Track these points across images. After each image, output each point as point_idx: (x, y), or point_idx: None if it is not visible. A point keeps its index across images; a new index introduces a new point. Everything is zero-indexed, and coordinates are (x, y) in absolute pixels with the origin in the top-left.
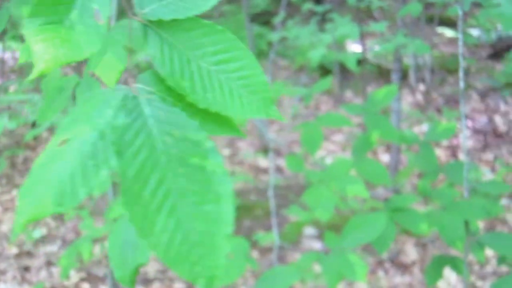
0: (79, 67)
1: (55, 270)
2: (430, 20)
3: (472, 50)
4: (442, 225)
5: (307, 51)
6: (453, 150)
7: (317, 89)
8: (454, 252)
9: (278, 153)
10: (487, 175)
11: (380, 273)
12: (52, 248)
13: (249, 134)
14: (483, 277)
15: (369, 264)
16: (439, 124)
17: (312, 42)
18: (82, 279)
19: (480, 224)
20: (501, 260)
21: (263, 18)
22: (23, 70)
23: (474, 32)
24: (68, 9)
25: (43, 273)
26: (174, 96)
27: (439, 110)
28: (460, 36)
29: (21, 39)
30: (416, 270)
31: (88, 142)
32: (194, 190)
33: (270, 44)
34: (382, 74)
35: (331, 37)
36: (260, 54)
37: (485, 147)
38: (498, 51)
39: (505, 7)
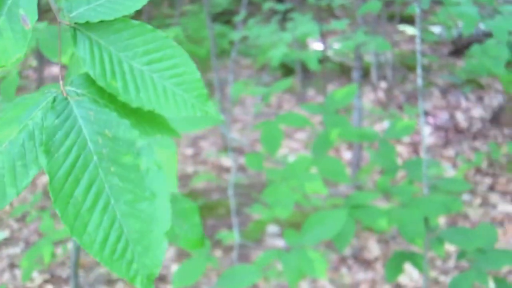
0: (41, 68)
1: (18, 272)
2: (391, 18)
3: (434, 47)
4: (402, 222)
5: (269, 50)
6: (415, 147)
7: (277, 89)
8: (416, 248)
9: (241, 152)
10: (448, 171)
11: (343, 270)
12: (15, 250)
13: (212, 134)
14: (445, 272)
15: (332, 261)
16: (399, 122)
17: (273, 41)
18: (46, 281)
19: (442, 220)
20: (461, 255)
21: (225, 17)
22: None
23: (436, 29)
24: None
25: (6, 275)
26: (106, 97)
27: (400, 107)
28: (417, 33)
29: None
30: (378, 266)
31: (17, 143)
32: (128, 188)
33: (232, 43)
34: (344, 72)
35: (291, 36)
36: (223, 53)
37: (446, 143)
38: (459, 48)
39: (465, 6)
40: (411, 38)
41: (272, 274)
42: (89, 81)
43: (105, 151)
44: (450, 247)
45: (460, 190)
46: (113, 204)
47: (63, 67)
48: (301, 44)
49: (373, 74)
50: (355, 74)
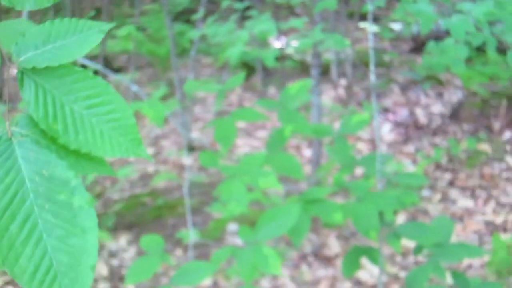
0: None
1: None
2: (351, 16)
3: (395, 44)
4: (356, 216)
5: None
6: (374, 144)
7: (229, 86)
8: (374, 243)
9: (202, 150)
10: (408, 167)
11: (304, 267)
12: None
13: (173, 133)
14: (405, 268)
15: (293, 258)
16: (353, 117)
17: (231, 40)
18: (7, 283)
19: (402, 216)
20: (418, 249)
21: (186, 16)
22: None
23: (396, 26)
24: None
25: None
26: (48, 138)
27: (360, 104)
28: (370, 31)
29: None
30: (339, 262)
31: None
32: (59, 224)
33: (192, 42)
34: (305, 70)
35: (249, 34)
36: (183, 52)
37: (406, 139)
38: (419, 45)
39: (421, 4)
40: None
41: (233, 272)
42: (33, 122)
43: (41, 189)
44: (410, 243)
45: (417, 184)
46: (45, 239)
47: (11, 108)
48: (262, 42)
49: (333, 72)
50: (314, 72)
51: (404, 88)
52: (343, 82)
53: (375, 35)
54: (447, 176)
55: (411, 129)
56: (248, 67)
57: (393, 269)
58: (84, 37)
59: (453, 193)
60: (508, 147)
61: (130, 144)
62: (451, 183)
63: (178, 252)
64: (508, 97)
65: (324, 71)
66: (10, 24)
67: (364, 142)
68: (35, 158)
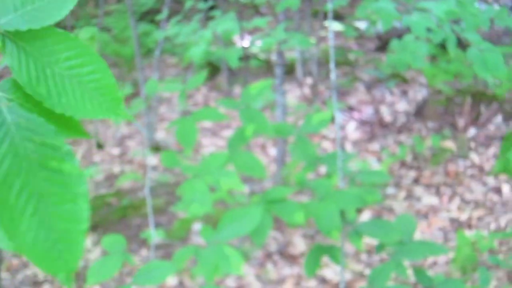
0: None
1: None
2: (316, 14)
3: (360, 43)
4: (318, 215)
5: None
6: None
7: (191, 85)
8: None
9: (166, 150)
10: (373, 165)
11: (269, 266)
12: None
13: (139, 133)
14: (370, 265)
15: (258, 257)
16: (314, 116)
17: (194, 40)
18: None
19: (367, 213)
20: (380, 247)
21: (151, 16)
22: None
23: (362, 25)
24: None
25: None
26: (32, 102)
27: (325, 103)
28: (330, 29)
29: None
30: (304, 261)
31: None
32: (54, 191)
33: (157, 42)
34: (270, 69)
35: (212, 33)
36: (148, 52)
37: (371, 137)
38: (384, 43)
39: (382, 2)
40: (337, 34)
41: (197, 272)
42: (16, 86)
43: (34, 156)
44: (375, 241)
45: (381, 182)
46: (41, 206)
47: None
48: (227, 42)
49: (299, 70)
50: (278, 71)
51: (369, 87)
52: (308, 80)
53: (340, 33)
54: (412, 173)
55: (376, 127)
56: (213, 67)
57: (358, 267)
58: None
59: (418, 190)
60: (472, 144)
61: (110, 104)
62: (416, 181)
63: (144, 252)
64: (472, 95)
65: (290, 70)
66: None
67: (329, 141)
68: (26, 124)
